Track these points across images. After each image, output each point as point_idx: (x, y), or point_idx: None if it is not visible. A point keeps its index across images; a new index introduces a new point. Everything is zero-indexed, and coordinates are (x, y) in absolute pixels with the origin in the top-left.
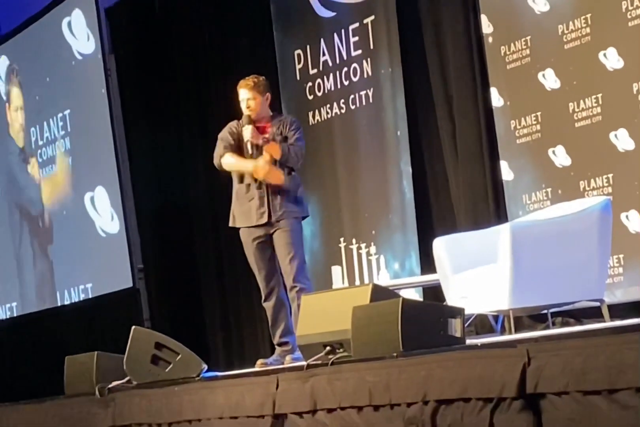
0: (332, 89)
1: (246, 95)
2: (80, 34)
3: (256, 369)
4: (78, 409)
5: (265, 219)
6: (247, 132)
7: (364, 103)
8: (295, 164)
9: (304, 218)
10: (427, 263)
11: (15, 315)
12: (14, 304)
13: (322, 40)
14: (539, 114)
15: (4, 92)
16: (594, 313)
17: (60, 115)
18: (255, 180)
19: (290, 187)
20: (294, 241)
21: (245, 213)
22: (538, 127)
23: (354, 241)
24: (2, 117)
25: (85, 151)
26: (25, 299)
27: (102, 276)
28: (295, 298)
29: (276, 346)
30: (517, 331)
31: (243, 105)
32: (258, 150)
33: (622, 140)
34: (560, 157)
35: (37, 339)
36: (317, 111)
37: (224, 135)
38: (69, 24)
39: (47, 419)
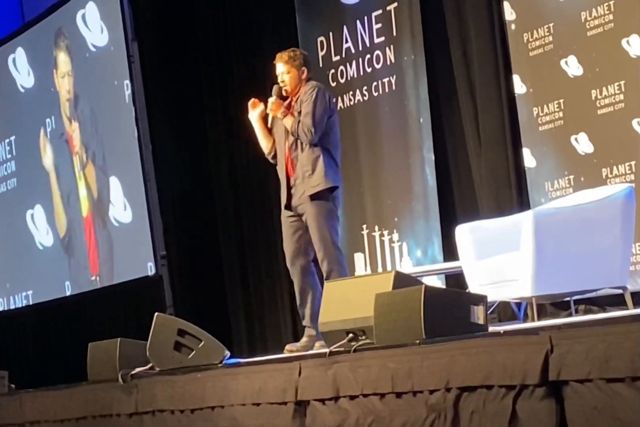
0: (355, 76)
1: (281, 68)
2: (94, 26)
3: (280, 355)
4: (101, 396)
5: (285, 204)
6: (269, 104)
7: (386, 90)
8: (306, 140)
9: (331, 191)
10: (450, 250)
11: (37, 302)
12: (30, 292)
13: (345, 27)
14: (561, 101)
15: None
16: (617, 300)
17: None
18: (275, 160)
19: (309, 162)
20: (319, 226)
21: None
22: (560, 114)
23: (376, 228)
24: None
25: (106, 138)
26: (43, 287)
27: (119, 264)
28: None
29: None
30: (539, 318)
31: (279, 79)
32: (278, 126)
33: None
34: (582, 144)
35: (60, 326)
36: (339, 98)
37: None
38: (83, 16)
39: (70, 405)
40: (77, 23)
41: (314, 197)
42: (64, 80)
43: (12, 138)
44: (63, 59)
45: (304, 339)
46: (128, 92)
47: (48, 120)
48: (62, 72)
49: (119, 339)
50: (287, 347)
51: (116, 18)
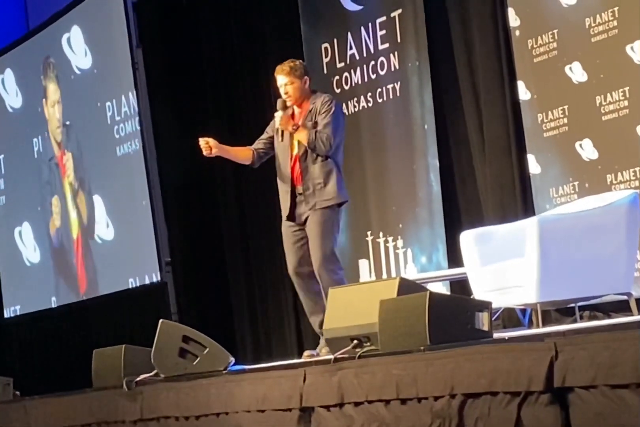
0: (360, 82)
1: (283, 80)
2: (78, 49)
3: (285, 361)
4: (106, 402)
5: (288, 213)
6: (278, 119)
7: (391, 96)
8: (323, 151)
9: (340, 205)
10: (455, 257)
11: (44, 308)
12: (17, 307)
13: (349, 33)
14: (565, 107)
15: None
16: (621, 307)
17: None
18: (255, 160)
19: (321, 175)
20: (322, 233)
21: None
22: (565, 120)
23: (381, 234)
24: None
25: (89, 159)
26: (30, 302)
27: (101, 281)
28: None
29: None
30: (544, 324)
31: (281, 91)
32: (290, 137)
33: None
34: (587, 150)
35: (65, 333)
36: (344, 105)
37: (269, 126)
38: (68, 39)
39: (75, 412)
40: (62, 46)
41: (324, 210)
42: (54, 109)
43: (1, 157)
44: (52, 89)
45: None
46: (110, 113)
47: (35, 140)
48: (52, 101)
49: (123, 345)
50: (306, 353)
51: (100, 40)
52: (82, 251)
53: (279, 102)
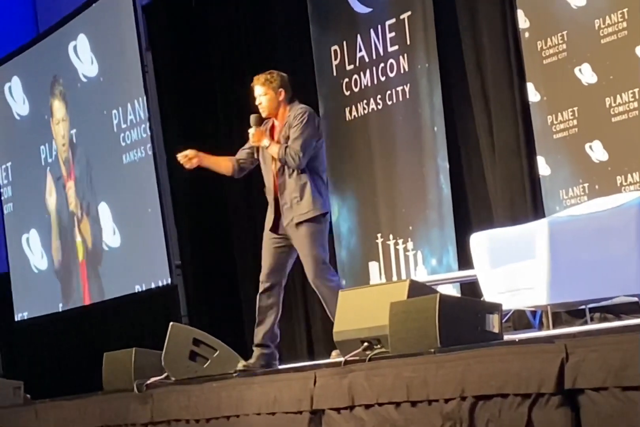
0: (369, 84)
1: (258, 91)
2: (85, 57)
3: (296, 364)
4: (116, 405)
5: (271, 226)
6: (250, 135)
7: (400, 99)
8: (293, 166)
9: (322, 215)
10: (465, 259)
11: (52, 312)
12: (25, 313)
13: (358, 36)
14: (575, 109)
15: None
16: (632, 308)
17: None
18: (240, 174)
19: (296, 188)
20: (309, 245)
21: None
22: (575, 122)
23: (391, 236)
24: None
25: (95, 166)
26: (37, 309)
27: (107, 287)
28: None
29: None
30: (555, 326)
31: (256, 102)
32: (264, 153)
33: None
34: (597, 152)
35: (75, 336)
36: (353, 107)
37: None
38: (75, 47)
39: (85, 415)
40: (69, 55)
41: (303, 223)
42: (60, 127)
43: (9, 164)
44: (57, 106)
45: (251, 360)
46: (116, 121)
47: (42, 147)
48: (57, 119)
49: (134, 348)
50: (334, 353)
51: (107, 47)
52: (87, 274)
53: (252, 118)
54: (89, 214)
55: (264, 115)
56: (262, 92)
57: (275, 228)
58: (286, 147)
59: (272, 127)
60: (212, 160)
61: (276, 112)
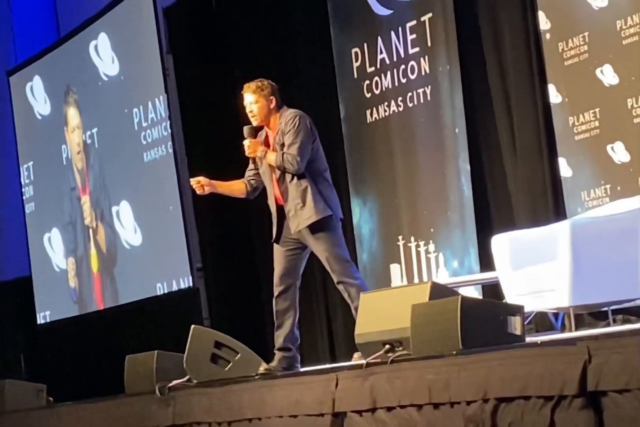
0: (390, 86)
1: (249, 99)
2: (106, 56)
3: (317, 367)
4: (138, 408)
5: (275, 237)
6: (245, 147)
7: (421, 101)
8: (293, 171)
9: (329, 217)
10: (486, 260)
11: (74, 315)
12: (47, 312)
13: (379, 38)
14: (597, 110)
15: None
16: None
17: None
18: (249, 191)
19: (298, 194)
20: (326, 247)
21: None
22: (596, 123)
23: (412, 238)
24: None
25: (114, 165)
26: (59, 308)
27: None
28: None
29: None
30: (577, 328)
31: (247, 110)
32: (262, 163)
33: None
34: (619, 153)
35: (98, 339)
36: (374, 109)
37: None
38: (96, 46)
39: (107, 417)
40: (90, 54)
41: (311, 228)
42: (74, 135)
43: (30, 164)
44: (72, 114)
45: (272, 363)
46: (137, 119)
47: (63, 146)
48: (72, 127)
49: (156, 351)
50: (356, 355)
51: (128, 47)
52: (101, 285)
53: (245, 130)
54: (104, 220)
55: (255, 123)
56: (254, 100)
57: (277, 239)
58: (283, 153)
59: (266, 137)
60: (224, 186)
61: (267, 120)
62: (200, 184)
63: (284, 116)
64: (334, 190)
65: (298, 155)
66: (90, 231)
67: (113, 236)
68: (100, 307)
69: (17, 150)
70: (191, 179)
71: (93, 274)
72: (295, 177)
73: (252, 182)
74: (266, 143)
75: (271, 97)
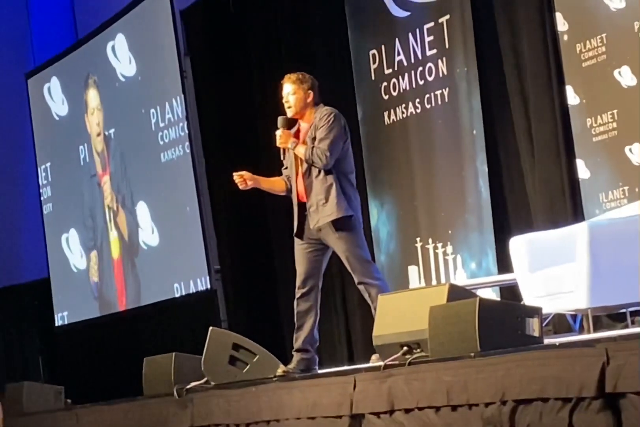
0: (408, 88)
1: (287, 89)
2: (123, 57)
3: (335, 369)
4: (157, 410)
5: (296, 231)
6: (277, 137)
7: (439, 102)
8: (320, 166)
9: (349, 217)
10: (504, 262)
11: (91, 317)
12: (65, 313)
13: (397, 40)
14: (615, 111)
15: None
16: None
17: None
18: (289, 189)
19: (322, 190)
20: (346, 246)
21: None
22: (614, 124)
23: (430, 240)
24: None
25: (132, 167)
26: (77, 308)
27: (146, 287)
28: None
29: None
30: (595, 330)
31: (284, 100)
32: (289, 155)
33: None
34: (637, 155)
35: (116, 341)
36: (392, 111)
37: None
38: (113, 47)
39: (126, 419)
40: (107, 54)
41: (334, 226)
42: (94, 116)
43: (48, 164)
44: (92, 95)
45: (290, 364)
46: (154, 119)
47: (81, 147)
48: (91, 108)
49: (174, 353)
50: (374, 357)
51: (146, 47)
52: (123, 271)
53: (279, 120)
54: (125, 206)
55: (289, 114)
56: (292, 91)
57: (300, 233)
58: (313, 147)
59: (298, 130)
60: (268, 182)
61: (303, 113)
62: (243, 178)
63: (319, 111)
64: (358, 194)
65: (328, 150)
66: (112, 212)
67: (135, 226)
68: (121, 299)
69: (35, 152)
70: (234, 173)
71: (113, 261)
72: (322, 173)
73: (290, 179)
74: (297, 136)
75: (309, 91)
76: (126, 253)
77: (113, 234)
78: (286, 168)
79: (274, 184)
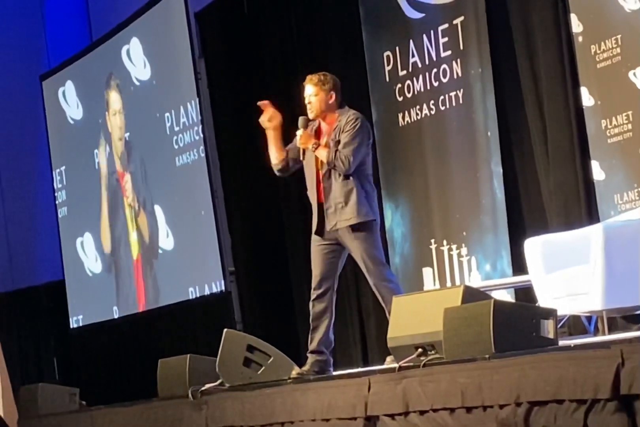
0: (422, 90)
1: (309, 90)
2: (138, 61)
3: (350, 370)
4: (171, 412)
5: (316, 229)
6: (298, 137)
7: (454, 104)
8: (342, 171)
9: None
10: (519, 264)
11: (106, 319)
12: (80, 316)
13: (411, 41)
14: (630, 113)
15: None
16: None
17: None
18: (281, 173)
19: (342, 194)
20: (363, 250)
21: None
22: (629, 126)
23: (444, 242)
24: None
25: (148, 170)
26: (92, 312)
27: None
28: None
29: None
30: (610, 331)
31: (305, 102)
32: (313, 155)
33: None
34: None
35: (130, 343)
36: (406, 112)
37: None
38: (128, 51)
39: (141, 421)
40: (122, 58)
41: (351, 227)
42: (116, 118)
43: (63, 168)
44: (114, 98)
45: (305, 366)
46: (169, 123)
47: (96, 151)
48: (113, 110)
49: (188, 355)
50: (389, 358)
51: (160, 51)
52: (142, 271)
53: (300, 120)
54: (145, 208)
55: (311, 116)
56: (314, 92)
57: (320, 231)
58: (336, 151)
59: (319, 129)
60: (278, 141)
61: (324, 114)
62: (270, 114)
63: (345, 115)
64: (375, 196)
65: (352, 155)
66: (133, 211)
67: (155, 228)
68: (140, 299)
69: (50, 155)
70: (263, 102)
71: (133, 261)
72: (342, 177)
73: (290, 155)
74: (317, 136)
75: (331, 93)
76: (145, 254)
77: (134, 235)
78: (293, 156)
79: (279, 148)
